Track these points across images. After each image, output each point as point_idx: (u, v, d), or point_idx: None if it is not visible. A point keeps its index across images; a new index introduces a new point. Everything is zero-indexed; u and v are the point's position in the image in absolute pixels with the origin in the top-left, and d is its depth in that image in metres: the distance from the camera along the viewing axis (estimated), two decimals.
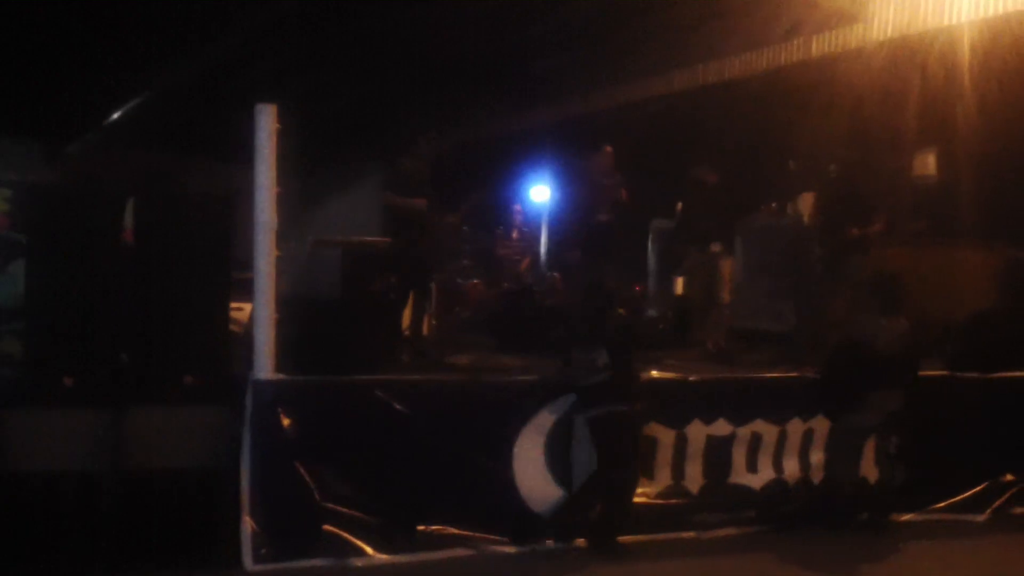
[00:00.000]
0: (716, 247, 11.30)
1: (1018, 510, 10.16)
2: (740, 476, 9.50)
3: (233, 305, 9.30)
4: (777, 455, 9.60)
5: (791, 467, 9.64)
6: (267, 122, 8.50)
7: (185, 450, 8.29)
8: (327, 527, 8.22)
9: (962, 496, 10.06)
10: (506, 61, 14.93)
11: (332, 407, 8.46)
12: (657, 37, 14.32)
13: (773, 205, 13.28)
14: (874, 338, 9.35)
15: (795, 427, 9.65)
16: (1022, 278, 12.41)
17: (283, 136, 8.52)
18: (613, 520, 8.66)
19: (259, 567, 8.02)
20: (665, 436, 9.24)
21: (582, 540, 8.78)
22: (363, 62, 14.18)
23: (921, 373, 9.95)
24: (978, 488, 10.11)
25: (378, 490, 8.39)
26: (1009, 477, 10.20)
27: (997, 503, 10.13)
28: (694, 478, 9.31)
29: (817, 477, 9.72)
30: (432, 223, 10.61)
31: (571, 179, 11.58)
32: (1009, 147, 12.68)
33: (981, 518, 9.99)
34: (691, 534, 8.81)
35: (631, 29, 14.06)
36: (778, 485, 9.60)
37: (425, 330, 11.73)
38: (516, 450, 8.83)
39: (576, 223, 11.09)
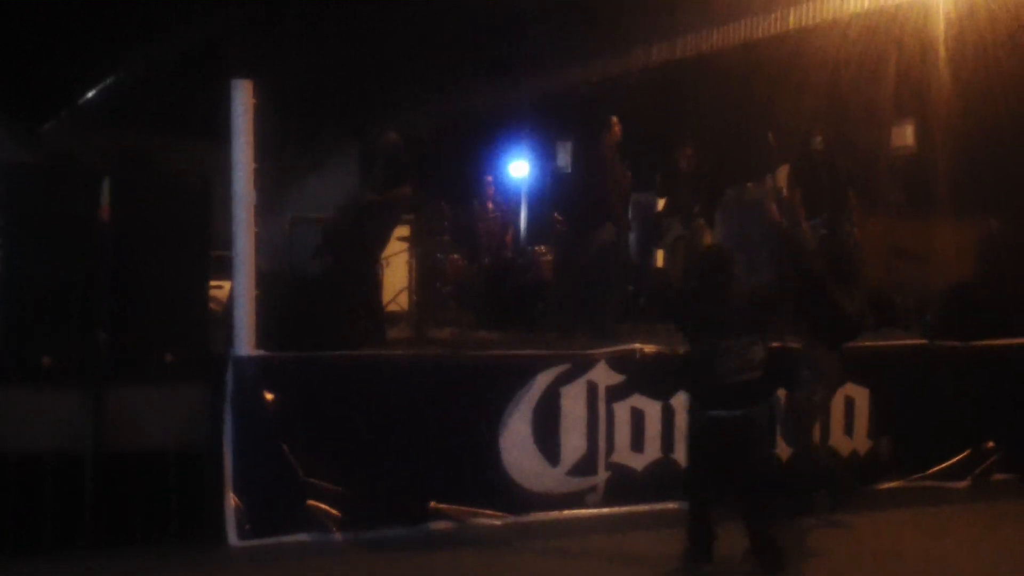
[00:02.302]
0: (700, 221, 11.30)
1: (998, 476, 10.23)
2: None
3: (213, 283, 9.25)
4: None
5: (782, 439, 9.65)
6: (243, 98, 8.45)
7: (166, 428, 8.24)
8: (311, 502, 8.20)
9: (944, 464, 10.12)
10: (481, 35, 14.85)
11: (314, 383, 8.43)
12: (633, 10, 14.26)
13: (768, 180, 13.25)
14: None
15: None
16: (998, 248, 12.47)
17: (259, 112, 8.46)
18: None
19: (244, 543, 8.02)
20: (651, 409, 9.25)
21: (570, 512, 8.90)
22: (339, 37, 14.10)
23: (902, 342, 10.01)
24: (960, 456, 10.17)
25: (362, 465, 8.37)
26: (990, 444, 10.25)
27: (978, 470, 10.19)
28: (683, 451, 9.29)
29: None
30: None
31: (583, 155, 11.50)
32: (985, 118, 12.70)
33: (962, 485, 10.07)
34: (677, 505, 8.80)
35: (606, 2, 14.00)
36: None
37: (405, 305, 11.73)
38: (502, 425, 8.83)
39: (594, 199, 11.00)
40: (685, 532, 7.65)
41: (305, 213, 13.08)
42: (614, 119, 11.04)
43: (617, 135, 10.98)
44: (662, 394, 9.24)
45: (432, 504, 8.57)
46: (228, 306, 8.84)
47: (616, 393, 9.18)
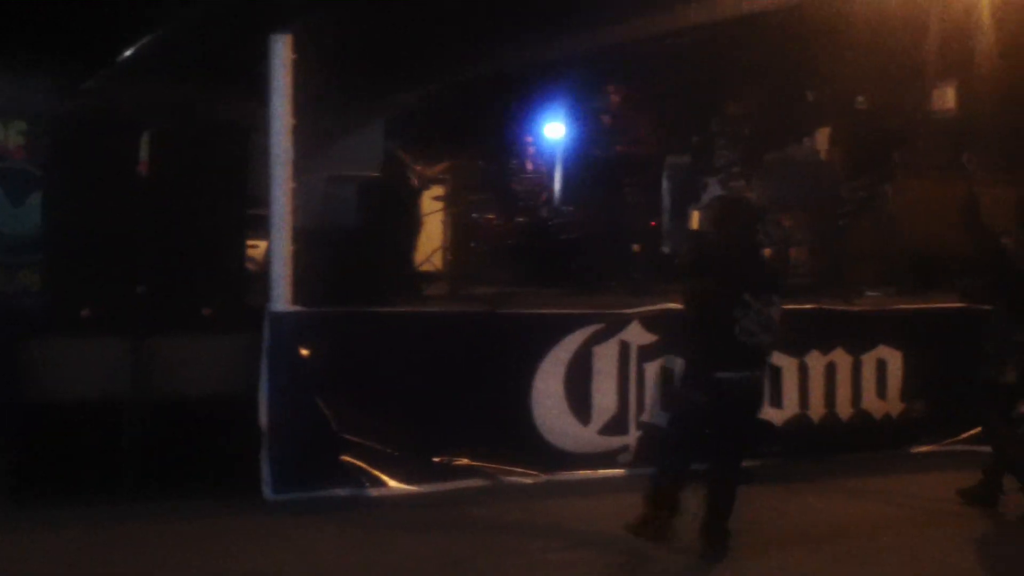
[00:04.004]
0: (739, 182, 11.24)
1: None
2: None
3: (249, 242, 9.33)
4: (801, 389, 9.65)
5: (815, 401, 9.69)
6: (282, 52, 8.46)
7: (205, 379, 8.37)
8: (345, 457, 8.30)
9: (979, 428, 10.07)
10: None
11: (350, 338, 8.50)
12: None
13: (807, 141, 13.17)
14: None
15: (815, 360, 9.69)
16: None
17: (298, 67, 8.47)
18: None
19: (279, 496, 8.11)
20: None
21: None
22: None
23: (938, 305, 9.99)
24: None
25: (396, 421, 8.44)
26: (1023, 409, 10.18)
27: None
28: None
29: (842, 410, 9.80)
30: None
31: (581, 115, 11.66)
32: None
33: None
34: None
35: None
36: (802, 420, 9.66)
37: (440, 264, 11.79)
38: (535, 382, 8.87)
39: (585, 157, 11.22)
40: (648, 499, 7.13)
41: (342, 171, 13.10)
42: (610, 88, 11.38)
43: (616, 101, 11.17)
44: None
45: (465, 460, 8.64)
46: (265, 263, 8.91)
47: (649, 353, 9.20)
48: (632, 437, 9.11)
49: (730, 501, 7.06)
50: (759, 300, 6.91)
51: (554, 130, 14.95)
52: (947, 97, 13.23)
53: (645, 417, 9.08)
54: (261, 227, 8.77)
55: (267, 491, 8.13)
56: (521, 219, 12.96)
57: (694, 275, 7.53)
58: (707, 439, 7.20)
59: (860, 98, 11.60)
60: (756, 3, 14.01)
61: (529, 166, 13.77)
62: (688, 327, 7.49)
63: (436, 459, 8.57)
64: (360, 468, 8.31)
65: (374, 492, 8.31)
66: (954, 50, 13.07)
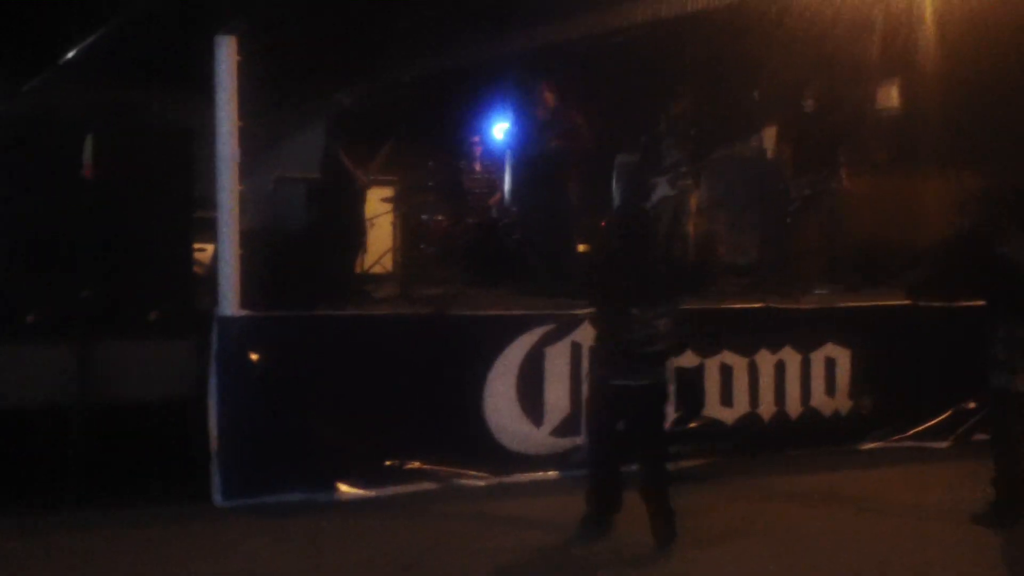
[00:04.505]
0: (688, 181, 11.30)
1: (979, 437, 10.25)
2: (713, 409, 9.58)
3: (196, 246, 9.24)
4: (752, 387, 9.71)
5: (765, 399, 9.75)
6: (228, 54, 8.39)
7: (153, 385, 8.29)
8: (296, 463, 8.23)
9: (926, 424, 10.21)
10: None
11: (299, 342, 8.42)
12: None
13: (754, 140, 13.27)
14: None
15: (764, 358, 9.74)
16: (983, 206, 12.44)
17: (243, 69, 8.40)
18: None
19: (229, 503, 8.04)
20: None
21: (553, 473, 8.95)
22: None
23: (885, 302, 10.07)
24: (941, 416, 10.25)
25: (347, 425, 8.38)
26: (971, 405, 10.29)
27: (959, 430, 10.27)
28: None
29: (792, 408, 9.87)
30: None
31: (529, 116, 11.70)
32: (971, 75, 12.67)
33: (944, 445, 10.16)
34: None
35: None
36: (752, 418, 9.73)
37: (390, 266, 11.76)
38: (486, 384, 8.85)
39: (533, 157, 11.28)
40: (585, 498, 7.54)
41: (290, 172, 13.02)
42: (544, 85, 11.45)
43: (561, 101, 11.27)
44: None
45: (417, 464, 8.60)
46: (212, 266, 8.82)
47: None
48: (584, 438, 9.10)
49: (664, 496, 7.22)
50: (647, 313, 7.11)
51: (503, 131, 14.94)
52: (891, 95, 13.35)
53: None
54: (208, 230, 8.67)
55: (217, 498, 8.05)
56: (470, 220, 12.94)
57: (587, 288, 7.86)
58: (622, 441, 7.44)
59: (806, 96, 11.68)
60: (700, 1, 14.07)
61: (478, 167, 13.74)
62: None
63: (388, 463, 8.52)
64: (311, 473, 8.25)
65: (325, 497, 8.25)
66: (898, 48, 13.17)
